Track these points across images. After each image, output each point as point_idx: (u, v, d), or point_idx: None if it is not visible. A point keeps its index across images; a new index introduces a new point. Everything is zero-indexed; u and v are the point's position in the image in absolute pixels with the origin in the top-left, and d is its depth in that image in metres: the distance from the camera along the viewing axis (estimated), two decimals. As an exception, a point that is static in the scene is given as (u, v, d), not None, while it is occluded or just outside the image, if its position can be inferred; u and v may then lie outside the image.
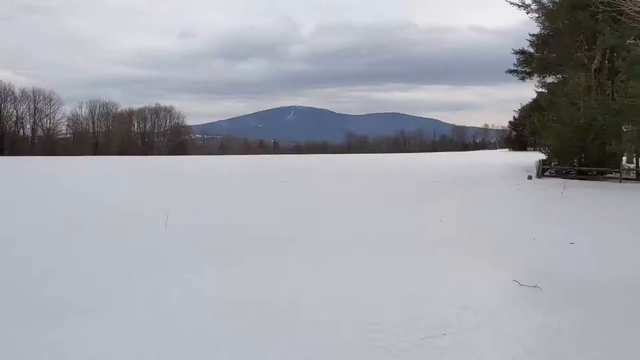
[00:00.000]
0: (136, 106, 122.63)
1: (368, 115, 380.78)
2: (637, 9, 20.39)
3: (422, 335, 5.05)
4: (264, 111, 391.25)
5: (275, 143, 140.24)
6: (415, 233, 10.88)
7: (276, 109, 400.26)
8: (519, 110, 74.41)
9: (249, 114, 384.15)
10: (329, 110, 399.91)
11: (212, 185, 23.43)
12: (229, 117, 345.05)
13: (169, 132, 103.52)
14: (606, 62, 27.94)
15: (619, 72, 28.22)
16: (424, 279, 7.16)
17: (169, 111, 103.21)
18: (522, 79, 36.60)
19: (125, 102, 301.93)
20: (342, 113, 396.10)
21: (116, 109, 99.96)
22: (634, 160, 31.31)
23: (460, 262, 8.17)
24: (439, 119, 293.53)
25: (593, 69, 27.88)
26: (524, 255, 8.86)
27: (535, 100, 45.20)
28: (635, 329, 5.28)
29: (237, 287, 6.71)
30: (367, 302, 6.06)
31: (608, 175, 26.98)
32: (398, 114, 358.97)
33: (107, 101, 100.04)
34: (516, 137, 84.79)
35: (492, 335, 5.13)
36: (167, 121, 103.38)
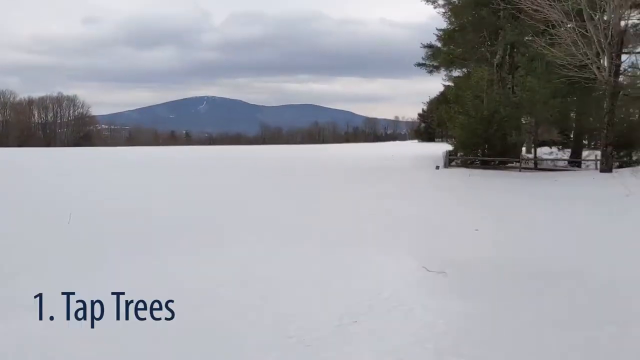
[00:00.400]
0: (36, 95, 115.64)
1: (282, 106, 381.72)
2: (535, 7, 21.56)
3: (335, 323, 5.06)
4: (175, 101, 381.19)
5: (187, 134, 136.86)
6: (326, 223, 10.94)
7: (188, 99, 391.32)
8: (427, 102, 77.14)
9: (159, 104, 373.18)
10: (242, 101, 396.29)
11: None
12: (138, 107, 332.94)
13: (72, 122, 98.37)
14: (507, 57, 29.43)
15: (519, 67, 29.86)
16: (335, 268, 7.18)
17: (72, 100, 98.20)
18: (430, 72, 37.92)
19: (24, 90, 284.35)
20: (256, 104, 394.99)
21: (14, 97, 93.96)
22: (532, 150, 33.28)
23: (370, 250, 8.28)
24: (351, 111, 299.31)
25: (495, 64, 29.30)
26: (432, 242, 9.12)
27: (442, 93, 46.89)
28: (537, 311, 5.54)
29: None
30: (279, 292, 6.00)
31: (509, 164, 28.47)
32: (312, 105, 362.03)
33: (4, 89, 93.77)
34: (425, 129, 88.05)
35: (402, 320, 5.22)
36: (71, 111, 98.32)
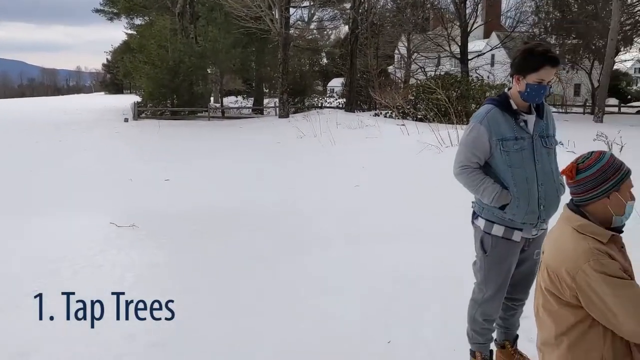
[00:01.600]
0: None
1: None
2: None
3: (14, 296, 4.61)
4: None
5: None
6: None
7: None
8: (111, 52, 72.80)
9: None
10: None
11: None
12: None
13: None
14: (188, 6, 29.52)
15: (200, 16, 30.36)
16: (15, 235, 6.46)
17: None
18: (111, 19, 36.01)
19: None
20: None
21: None
22: (220, 99, 34.63)
23: (55, 211, 7.65)
24: (24, 61, 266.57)
25: (177, 13, 29.15)
26: (122, 196, 8.87)
27: (126, 42, 44.83)
28: (226, 252, 5.92)
29: None
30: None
31: (198, 114, 29.15)
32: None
33: None
34: (111, 80, 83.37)
35: (89, 279, 5.03)
36: None
